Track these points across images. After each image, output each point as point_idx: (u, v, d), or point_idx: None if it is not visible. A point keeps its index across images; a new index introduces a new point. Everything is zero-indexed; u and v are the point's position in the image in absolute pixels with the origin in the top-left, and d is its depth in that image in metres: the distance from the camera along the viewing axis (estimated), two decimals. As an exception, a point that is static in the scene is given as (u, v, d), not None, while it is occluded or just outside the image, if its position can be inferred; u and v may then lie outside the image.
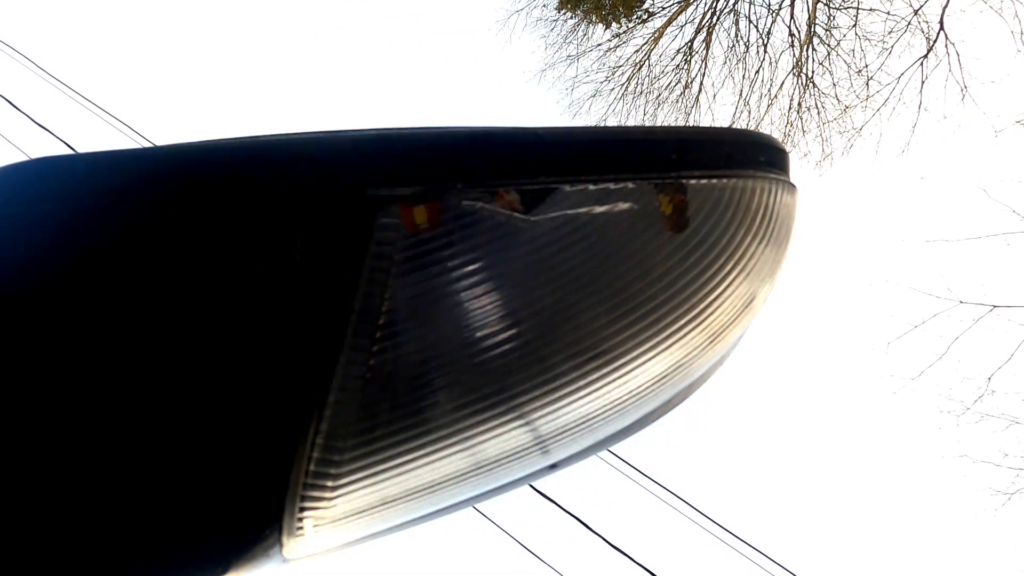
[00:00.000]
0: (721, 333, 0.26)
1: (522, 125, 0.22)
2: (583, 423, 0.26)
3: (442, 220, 0.21)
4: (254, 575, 0.23)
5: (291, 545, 0.24)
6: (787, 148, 0.26)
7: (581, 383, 0.24)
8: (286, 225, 0.20)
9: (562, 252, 0.22)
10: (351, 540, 0.27)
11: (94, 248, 0.20)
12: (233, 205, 0.20)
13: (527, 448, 0.26)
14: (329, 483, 0.23)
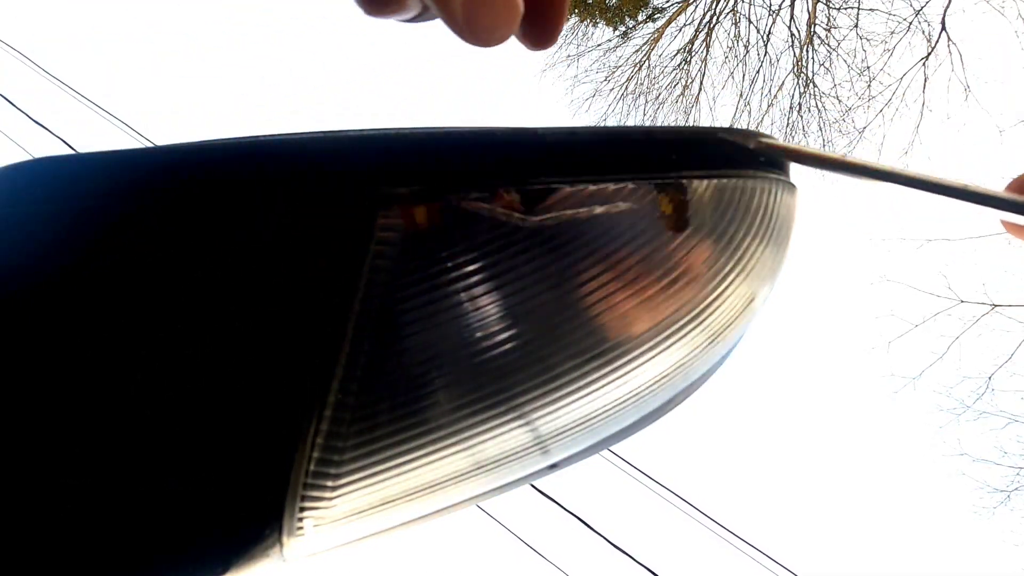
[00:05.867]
0: (721, 333, 0.26)
1: (522, 125, 0.22)
2: (583, 423, 0.26)
3: (442, 220, 0.21)
4: (254, 575, 0.23)
5: (291, 545, 0.24)
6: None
7: (581, 383, 0.24)
8: (286, 225, 0.20)
9: (562, 252, 0.22)
10: (352, 539, 0.27)
11: (94, 248, 0.20)
12: (232, 205, 0.20)
13: (527, 448, 0.26)
14: (329, 483, 0.23)
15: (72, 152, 0.21)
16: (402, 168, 0.21)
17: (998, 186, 0.24)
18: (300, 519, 0.23)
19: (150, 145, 0.23)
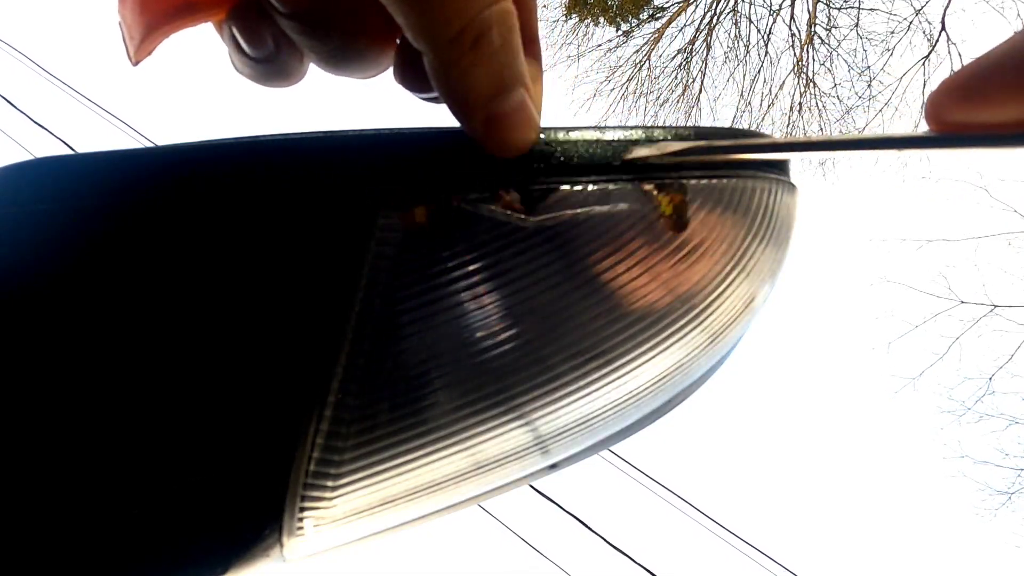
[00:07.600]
0: (721, 333, 0.26)
1: None
2: (583, 423, 0.26)
3: (442, 220, 0.21)
4: (254, 575, 0.23)
5: (291, 545, 0.24)
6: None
7: (581, 383, 0.24)
8: (286, 224, 0.20)
9: (562, 252, 0.22)
10: (352, 540, 0.27)
11: (94, 248, 0.20)
12: (233, 205, 0.20)
13: (527, 448, 0.26)
14: (329, 483, 0.23)
15: (72, 152, 0.21)
16: (402, 168, 0.21)
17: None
18: (300, 519, 0.23)
19: (150, 145, 0.23)
